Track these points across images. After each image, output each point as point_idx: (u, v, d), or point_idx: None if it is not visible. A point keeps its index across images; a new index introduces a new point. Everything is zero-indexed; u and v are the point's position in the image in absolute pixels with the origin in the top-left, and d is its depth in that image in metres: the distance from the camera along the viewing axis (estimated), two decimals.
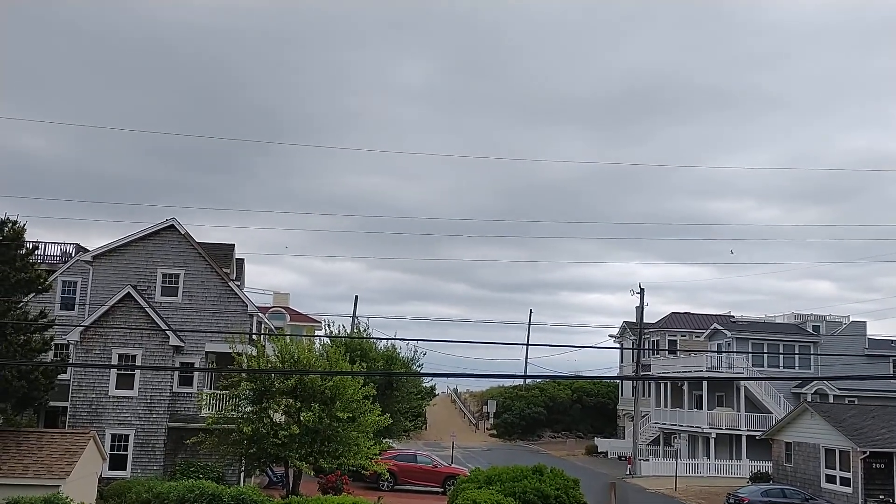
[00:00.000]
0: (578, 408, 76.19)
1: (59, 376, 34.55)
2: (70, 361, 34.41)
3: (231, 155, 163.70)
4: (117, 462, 32.01)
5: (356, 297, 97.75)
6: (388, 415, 33.34)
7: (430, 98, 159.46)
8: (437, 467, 39.63)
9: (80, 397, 32.76)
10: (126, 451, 32.57)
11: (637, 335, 58.33)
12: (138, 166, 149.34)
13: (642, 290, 55.50)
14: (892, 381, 53.47)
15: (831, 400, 52.99)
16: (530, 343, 72.77)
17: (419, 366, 49.63)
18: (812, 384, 54.48)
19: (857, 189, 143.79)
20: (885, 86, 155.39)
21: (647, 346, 64.13)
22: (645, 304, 55.81)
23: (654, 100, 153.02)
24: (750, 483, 43.18)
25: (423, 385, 61.55)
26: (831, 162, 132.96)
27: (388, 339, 48.90)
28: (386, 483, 37.07)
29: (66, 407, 32.97)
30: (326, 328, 51.94)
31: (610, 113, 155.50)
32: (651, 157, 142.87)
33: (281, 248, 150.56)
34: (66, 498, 19.26)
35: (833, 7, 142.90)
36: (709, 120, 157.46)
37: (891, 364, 56.59)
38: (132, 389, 33.14)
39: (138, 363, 33.08)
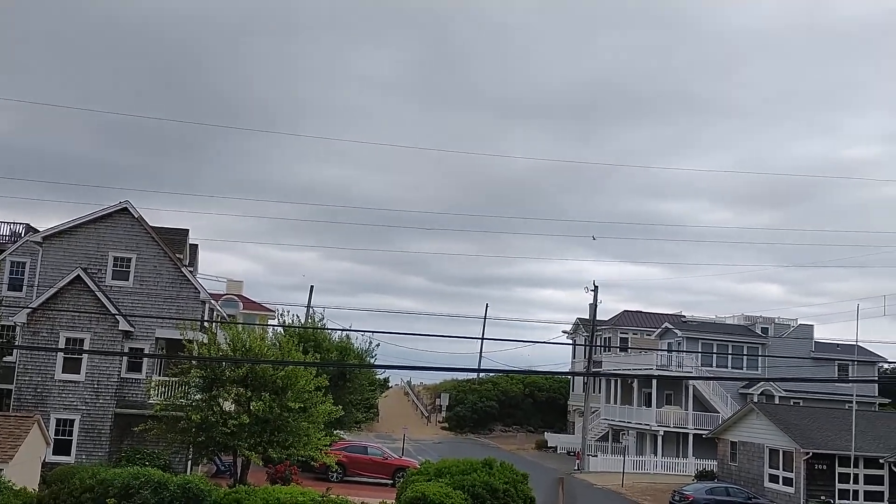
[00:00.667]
0: (530, 402, 76.75)
1: (5, 358, 33.93)
2: (16, 343, 33.70)
3: (186, 140, 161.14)
4: (62, 447, 31.44)
5: (311, 286, 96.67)
6: (340, 406, 33.24)
7: (391, 90, 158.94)
8: (387, 459, 39.62)
9: (25, 380, 32.10)
10: (71, 436, 32.01)
11: (590, 332, 58.89)
12: (90, 147, 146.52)
13: (596, 287, 56.04)
14: (837, 383, 54.70)
15: (777, 401, 54.07)
16: (485, 337, 73.07)
17: (373, 357, 49.56)
18: (759, 385, 55.54)
19: (805, 195, 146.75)
20: (835, 95, 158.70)
21: (599, 343, 64.80)
22: (598, 301, 56.40)
23: (610, 101, 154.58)
24: (695, 481, 43.90)
25: (377, 377, 61.51)
26: (782, 167, 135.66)
27: (342, 329, 48.74)
28: (335, 474, 36.96)
29: (11, 390, 32.30)
30: (280, 318, 51.49)
31: (569, 112, 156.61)
32: (607, 156, 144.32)
33: (236, 235, 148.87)
34: (8, 481, 18.88)
35: (786, 17, 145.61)
36: (662, 123, 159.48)
37: (836, 367, 57.90)
38: (79, 374, 32.56)
39: (86, 347, 32.50)
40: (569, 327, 72.23)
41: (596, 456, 53.91)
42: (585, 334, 64.00)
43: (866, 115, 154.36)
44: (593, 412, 60.56)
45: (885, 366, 64.02)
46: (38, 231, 35.44)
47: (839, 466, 36.89)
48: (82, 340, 32.73)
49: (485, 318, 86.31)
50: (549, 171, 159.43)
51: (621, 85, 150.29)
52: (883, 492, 36.55)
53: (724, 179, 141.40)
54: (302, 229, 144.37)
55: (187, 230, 41.34)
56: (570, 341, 70.77)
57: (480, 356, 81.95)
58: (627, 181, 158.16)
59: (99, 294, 32.89)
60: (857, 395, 42.06)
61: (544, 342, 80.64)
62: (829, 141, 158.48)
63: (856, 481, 36.54)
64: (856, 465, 36.44)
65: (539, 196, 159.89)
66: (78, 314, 32.46)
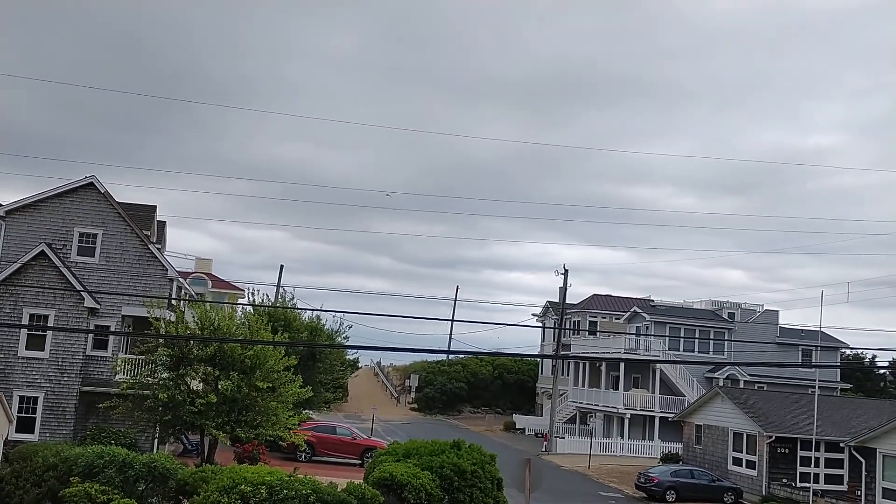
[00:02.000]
0: (499, 384, 77.07)
1: None
2: None
3: (151, 116, 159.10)
4: (25, 425, 31.01)
5: (281, 265, 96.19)
6: (310, 386, 33.12)
7: (357, 69, 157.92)
8: (355, 439, 39.61)
9: None
10: (35, 413, 31.56)
11: (559, 315, 59.16)
12: (52, 121, 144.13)
13: (566, 271, 56.28)
14: (800, 368, 55.52)
15: (742, 385, 54.77)
16: (455, 319, 73.13)
17: (344, 338, 49.44)
18: (724, 369, 56.21)
19: (767, 182, 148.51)
20: (794, 83, 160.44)
21: (568, 327, 65.16)
22: (568, 285, 56.66)
23: (577, 85, 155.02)
24: (660, 463, 44.41)
25: (347, 357, 61.42)
26: (744, 154, 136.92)
27: (312, 310, 48.55)
28: (304, 454, 36.90)
29: None
30: (249, 297, 51.14)
31: (534, 96, 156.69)
32: (573, 140, 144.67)
33: (203, 213, 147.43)
34: None
35: (753, 5, 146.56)
36: (629, 108, 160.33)
37: (800, 352, 58.74)
38: (43, 351, 32.08)
39: (51, 324, 32.01)
40: (538, 310, 72.55)
41: (563, 438, 54.34)
42: (555, 317, 64.32)
43: (828, 103, 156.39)
44: (561, 395, 60.98)
45: (848, 352, 65.05)
46: (2, 205, 34.74)
47: (801, 450, 37.47)
48: (46, 317, 32.22)
49: (455, 300, 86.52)
50: (516, 154, 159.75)
51: (589, 69, 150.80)
52: (842, 475, 37.22)
53: (690, 165, 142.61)
54: (266, 208, 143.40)
55: (155, 207, 40.81)
56: (540, 324, 71.10)
57: (450, 338, 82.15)
58: (594, 165, 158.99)
59: (64, 270, 32.37)
60: (819, 381, 42.67)
61: (514, 325, 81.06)
62: (791, 128, 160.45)
63: (817, 465, 37.16)
64: (817, 449, 37.03)
65: (506, 179, 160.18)
66: (42, 290, 31.94)
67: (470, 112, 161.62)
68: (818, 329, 48.43)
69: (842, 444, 36.16)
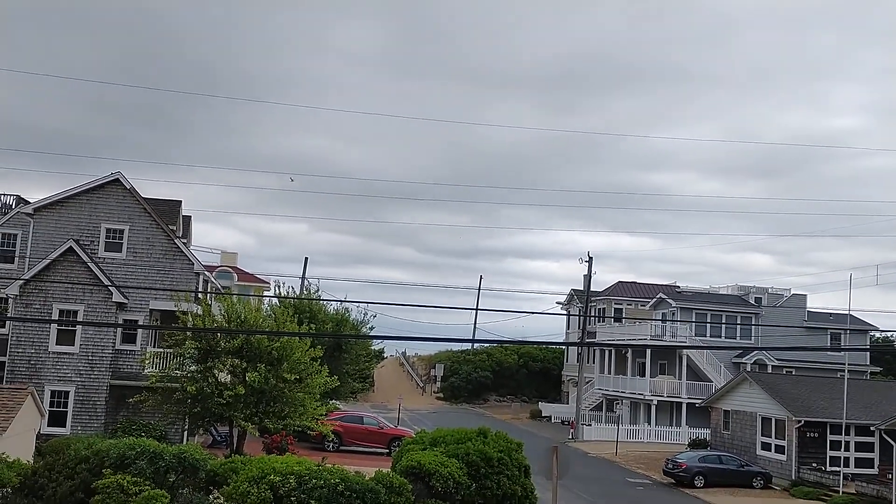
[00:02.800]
0: (524, 373, 77.01)
1: None
2: (8, 315, 33.60)
3: (171, 111, 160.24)
4: (57, 419, 31.49)
5: (306, 258, 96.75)
6: (336, 377, 33.30)
7: (376, 62, 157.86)
8: (382, 429, 39.80)
9: (18, 352, 32.05)
10: (66, 407, 32.05)
11: (584, 303, 58.99)
12: (76, 119, 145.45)
13: (591, 258, 56.07)
14: (829, 352, 55.01)
15: (770, 370, 54.37)
16: (480, 308, 73.09)
17: (370, 329, 49.61)
18: (752, 354, 55.79)
19: (793, 165, 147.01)
20: (819, 66, 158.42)
21: (593, 314, 64.95)
22: (593, 272, 56.47)
23: (596, 73, 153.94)
24: (688, 449, 44.21)
25: (372, 348, 61.65)
26: (769, 138, 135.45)
27: (337, 300, 48.77)
28: (331, 444, 37.15)
29: (4, 362, 32.25)
30: (275, 289, 51.46)
31: (553, 84, 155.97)
32: (595, 127, 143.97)
33: (227, 207, 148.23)
34: (2, 453, 18.87)
35: None
36: (650, 94, 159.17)
37: (828, 336, 58.18)
38: (73, 345, 32.53)
39: (80, 319, 32.43)
40: (563, 298, 72.35)
41: (590, 425, 54.24)
42: (580, 305, 64.12)
43: (850, 85, 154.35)
44: (587, 382, 60.85)
45: (877, 334, 64.35)
46: (30, 202, 35.18)
47: (830, 434, 37.15)
48: (76, 312, 32.65)
49: (479, 290, 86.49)
50: (535, 143, 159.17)
51: (607, 55, 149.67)
52: (873, 459, 36.85)
53: (712, 150, 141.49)
54: (289, 201, 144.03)
55: (180, 201, 41.18)
56: (565, 312, 70.93)
57: (475, 327, 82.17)
58: (615, 152, 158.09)
59: (92, 265, 32.75)
60: (848, 364, 42.29)
61: (539, 313, 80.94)
62: (814, 111, 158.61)
63: (847, 449, 36.82)
64: (847, 433, 36.70)
65: (527, 167, 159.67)
66: (71, 286, 32.34)
67: (490, 101, 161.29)
68: (847, 312, 47.96)
69: (872, 428, 35.78)
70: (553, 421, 63.48)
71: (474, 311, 78.58)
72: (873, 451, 36.95)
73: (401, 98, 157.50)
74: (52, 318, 32.05)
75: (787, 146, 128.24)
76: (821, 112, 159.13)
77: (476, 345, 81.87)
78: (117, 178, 34.33)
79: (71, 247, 32.71)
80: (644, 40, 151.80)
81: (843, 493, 33.70)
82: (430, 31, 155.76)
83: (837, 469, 35.58)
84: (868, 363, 59.53)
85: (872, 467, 36.46)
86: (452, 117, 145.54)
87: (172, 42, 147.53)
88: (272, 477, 16.90)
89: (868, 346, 61.30)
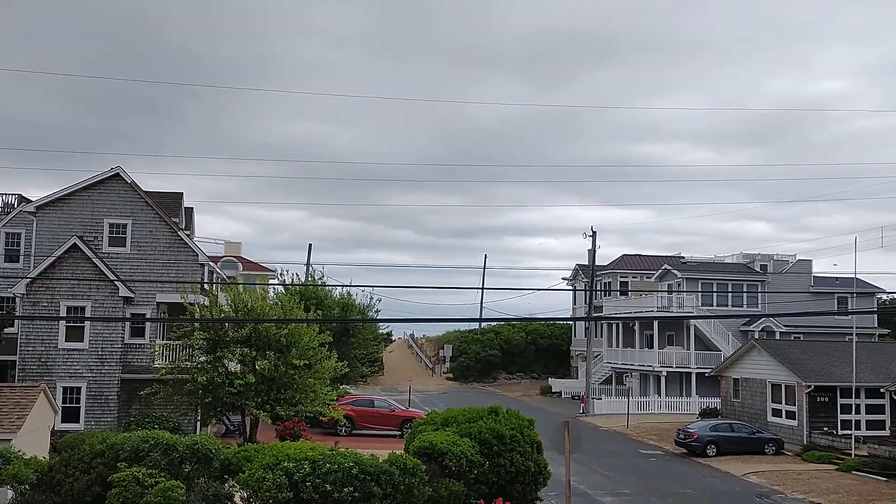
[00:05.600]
0: (533, 350, 77.22)
1: (6, 330, 33.96)
2: (17, 314, 33.72)
3: (162, 102, 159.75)
4: (70, 415, 31.67)
5: (310, 244, 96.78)
6: (345, 361, 33.42)
7: (360, 43, 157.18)
8: (394, 411, 39.95)
9: (28, 350, 32.20)
10: (78, 403, 32.22)
11: (589, 277, 58.99)
12: (66, 115, 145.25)
13: (594, 232, 55.98)
14: (836, 316, 55.01)
15: (778, 337, 54.40)
16: (486, 287, 73.19)
17: (376, 312, 49.71)
18: (759, 322, 55.82)
19: (782, 131, 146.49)
20: (803, 30, 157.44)
21: (599, 288, 64.98)
22: (597, 246, 56.44)
23: (581, 45, 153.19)
24: (699, 419, 44.34)
25: (380, 331, 61.75)
26: (757, 104, 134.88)
27: (342, 285, 48.87)
28: (343, 428, 37.31)
29: (15, 361, 32.40)
30: (280, 277, 51.55)
31: (539, 58, 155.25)
32: (581, 101, 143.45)
33: (224, 197, 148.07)
34: (18, 451, 18.98)
35: None
36: (636, 65, 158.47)
37: (835, 300, 58.16)
38: (82, 341, 32.65)
39: (88, 315, 32.52)
40: (568, 274, 72.39)
41: (600, 399, 54.41)
42: (585, 280, 64.14)
43: (832, 48, 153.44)
44: (596, 356, 60.97)
45: (884, 297, 64.33)
46: (31, 201, 35.21)
47: (841, 398, 37.22)
48: (83, 308, 32.74)
49: (484, 269, 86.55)
50: (525, 119, 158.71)
51: (590, 28, 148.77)
52: (884, 420, 36.93)
53: (701, 119, 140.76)
54: (286, 188, 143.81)
55: (181, 193, 41.16)
56: (571, 287, 70.98)
57: (481, 306, 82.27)
58: (604, 125, 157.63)
59: (97, 261, 32.82)
60: (856, 327, 42.29)
61: (545, 290, 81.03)
62: (801, 75, 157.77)
63: (857, 411, 36.90)
64: (857, 396, 36.77)
65: (518, 144, 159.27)
66: (77, 282, 32.42)
67: (477, 79, 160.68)
68: (853, 276, 47.92)
69: (882, 390, 35.85)
70: (563, 396, 63.71)
71: (480, 291, 78.67)
72: (884, 413, 37.04)
73: (387, 79, 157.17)
74: (61, 315, 32.15)
75: (777, 111, 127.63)
76: (808, 76, 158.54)
77: (483, 324, 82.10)
78: (118, 173, 34.32)
79: (75, 243, 32.76)
80: (626, 10, 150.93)
81: (855, 455, 33.81)
82: (411, 10, 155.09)
83: (849, 432, 35.66)
84: (876, 325, 59.52)
85: (883, 429, 36.55)
86: (439, 96, 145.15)
87: (156, 31, 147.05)
88: (286, 463, 16.98)
89: (875, 309, 61.27)
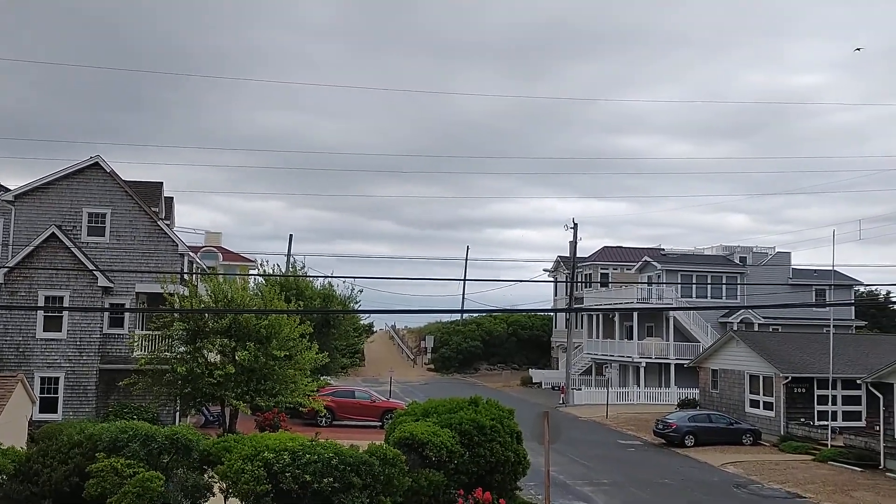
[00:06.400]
0: (514, 341, 77.48)
1: None
2: None
3: (143, 93, 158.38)
4: (48, 405, 31.45)
5: (290, 235, 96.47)
6: (326, 353, 33.37)
7: (342, 35, 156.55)
8: (374, 402, 39.98)
9: (6, 340, 31.94)
10: (56, 393, 32.01)
11: (571, 269, 59.22)
12: (42, 104, 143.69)
13: (576, 225, 56.26)
14: (814, 308, 55.54)
15: (756, 328, 54.86)
16: (468, 279, 73.33)
17: (357, 303, 49.67)
18: (738, 313, 56.27)
19: (760, 124, 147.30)
20: (778, 24, 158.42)
21: (580, 280, 65.25)
22: (578, 238, 56.68)
23: (560, 38, 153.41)
24: (678, 409, 44.68)
25: (361, 322, 61.73)
26: (734, 98, 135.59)
27: (323, 276, 48.74)
28: (324, 419, 37.31)
29: None
30: (261, 267, 51.40)
31: (518, 51, 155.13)
32: (560, 94, 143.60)
33: (204, 187, 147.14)
34: None
35: None
36: (614, 59, 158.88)
37: (813, 292, 58.69)
38: (61, 331, 32.42)
39: (66, 305, 32.29)
40: (549, 266, 72.65)
41: (580, 389, 54.70)
42: (566, 272, 64.39)
43: (809, 41, 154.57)
44: (576, 347, 61.28)
45: (861, 289, 64.97)
46: (9, 190, 34.86)
47: (818, 389, 37.62)
48: (61, 298, 32.51)
49: (466, 260, 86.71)
50: (506, 111, 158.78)
51: (569, 21, 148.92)
52: (860, 412, 37.37)
53: (680, 112, 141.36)
54: (266, 178, 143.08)
55: (161, 183, 40.87)
56: (552, 279, 71.23)
57: (464, 297, 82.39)
58: (584, 118, 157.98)
59: (75, 251, 32.57)
60: (834, 319, 42.71)
61: (527, 281, 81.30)
62: (778, 69, 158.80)
63: (834, 403, 37.31)
64: (834, 387, 37.18)
65: (498, 136, 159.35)
66: (55, 272, 32.17)
67: (458, 71, 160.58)
68: (831, 268, 48.39)
69: (858, 381, 36.25)
70: (544, 387, 63.98)
71: (462, 282, 78.77)
72: (860, 404, 37.46)
73: (369, 70, 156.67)
74: (39, 305, 31.90)
75: (755, 105, 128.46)
76: (785, 69, 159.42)
77: (465, 315, 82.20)
78: (97, 162, 34.04)
79: (53, 233, 32.49)
80: (607, 2, 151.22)
81: (831, 446, 34.21)
82: (395, 2, 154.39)
83: (825, 423, 36.07)
84: (853, 318, 60.18)
85: (860, 420, 37.00)
86: (420, 88, 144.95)
87: (138, 22, 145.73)
88: (266, 454, 16.97)
89: (853, 301, 61.89)
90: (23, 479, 17.55)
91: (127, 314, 33.61)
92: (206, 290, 30.64)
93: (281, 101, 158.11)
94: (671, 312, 54.42)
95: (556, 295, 71.43)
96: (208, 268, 50.35)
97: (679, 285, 56.97)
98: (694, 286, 57.87)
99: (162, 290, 29.76)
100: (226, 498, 17.40)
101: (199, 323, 28.56)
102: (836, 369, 36.70)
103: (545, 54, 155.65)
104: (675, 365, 53.26)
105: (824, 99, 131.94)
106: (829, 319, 43.09)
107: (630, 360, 54.95)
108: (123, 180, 34.91)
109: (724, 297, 58.26)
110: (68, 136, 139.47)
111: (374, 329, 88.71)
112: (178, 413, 32.51)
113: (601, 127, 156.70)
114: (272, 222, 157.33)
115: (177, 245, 34.77)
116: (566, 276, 63.93)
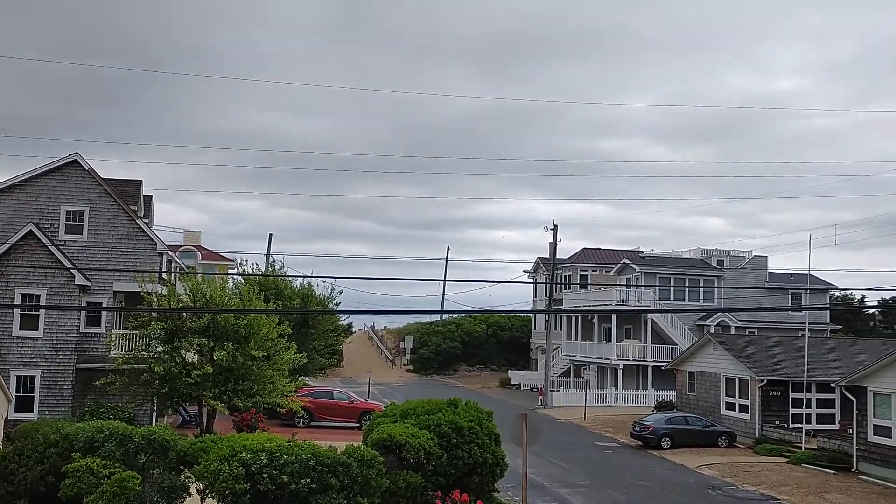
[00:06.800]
0: (493, 342, 77.64)
1: None
2: None
3: (117, 90, 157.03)
4: (24, 404, 31.21)
5: (270, 234, 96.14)
6: (304, 353, 33.32)
7: (315, 32, 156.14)
8: (353, 403, 39.97)
9: None
10: (33, 392, 31.77)
11: (550, 270, 59.45)
12: (17, 100, 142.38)
13: (556, 226, 56.46)
14: (790, 312, 56.09)
15: (733, 331, 55.32)
16: (447, 279, 73.40)
17: (336, 304, 49.59)
18: (715, 316, 56.75)
19: (737, 128, 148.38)
20: (757, 27, 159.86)
21: (559, 282, 65.52)
22: (558, 240, 56.91)
23: (537, 40, 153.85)
24: (655, 411, 44.98)
25: (340, 323, 61.61)
26: (712, 101, 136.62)
27: (303, 276, 48.63)
28: (302, 420, 37.26)
29: None
30: (240, 267, 51.17)
31: (495, 53, 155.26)
32: (538, 96, 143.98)
33: (182, 185, 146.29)
34: None
35: None
36: (591, 61, 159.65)
37: (789, 296, 59.29)
38: (37, 330, 32.18)
39: (43, 303, 32.05)
40: (529, 267, 72.86)
41: (559, 391, 54.94)
42: (546, 273, 64.63)
43: (790, 46, 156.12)
44: (555, 349, 61.52)
45: (837, 293, 65.69)
46: None
47: (793, 392, 38.02)
48: (38, 296, 32.26)
49: (446, 261, 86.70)
50: (484, 113, 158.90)
51: (546, 23, 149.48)
52: (834, 415, 37.82)
53: (656, 115, 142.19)
54: (244, 177, 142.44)
55: (140, 181, 40.67)
56: (532, 280, 71.48)
57: (443, 298, 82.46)
58: (563, 120, 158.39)
59: (53, 249, 32.33)
60: (809, 323, 43.17)
61: (506, 282, 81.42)
62: (755, 73, 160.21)
63: (808, 406, 37.75)
64: (808, 391, 37.60)
65: (477, 138, 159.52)
66: (32, 270, 31.92)
67: (436, 72, 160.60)
68: (807, 272, 48.89)
69: (833, 385, 36.65)
70: (522, 388, 64.16)
71: (442, 283, 78.82)
72: (834, 408, 37.90)
73: (345, 68, 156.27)
74: (15, 304, 31.64)
75: (732, 109, 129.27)
76: (762, 74, 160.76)
77: (445, 316, 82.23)
78: (75, 160, 33.81)
79: (31, 230, 32.24)
80: (581, 6, 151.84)
81: (805, 448, 34.59)
82: (373, 1, 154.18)
83: (800, 426, 36.47)
84: (828, 321, 60.83)
85: (834, 423, 37.44)
86: (398, 87, 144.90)
87: (112, 18, 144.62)
88: (243, 454, 16.95)
89: (828, 305, 62.57)
90: None
91: (104, 313, 33.39)
92: (185, 290, 30.51)
93: (256, 100, 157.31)
94: (649, 315, 54.79)
95: (535, 296, 71.67)
96: (187, 267, 50.09)
97: (657, 288, 57.37)
98: (672, 289, 58.31)
99: (140, 290, 29.61)
100: (202, 498, 17.37)
101: (177, 322, 28.44)
102: (811, 373, 37.12)
103: (521, 56, 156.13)
104: (653, 367, 53.61)
105: (800, 104, 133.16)
106: (805, 323, 43.54)
107: (608, 361, 55.25)
108: (102, 178, 34.70)
109: (701, 300, 58.73)
110: (46, 133, 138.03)
111: (353, 329, 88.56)
112: (155, 413, 32.35)
113: (579, 129, 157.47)
114: (252, 221, 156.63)
115: (155, 244, 34.61)
116: (546, 278, 64.18)
